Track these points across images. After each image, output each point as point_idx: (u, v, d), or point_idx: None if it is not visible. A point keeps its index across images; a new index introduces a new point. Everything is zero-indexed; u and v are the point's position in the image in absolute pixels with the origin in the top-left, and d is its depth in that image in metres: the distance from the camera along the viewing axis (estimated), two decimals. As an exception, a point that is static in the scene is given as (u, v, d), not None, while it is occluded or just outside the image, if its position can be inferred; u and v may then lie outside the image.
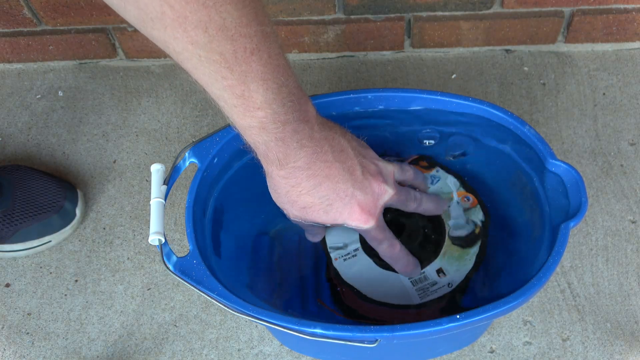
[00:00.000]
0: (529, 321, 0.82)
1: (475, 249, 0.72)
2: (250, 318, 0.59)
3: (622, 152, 0.96)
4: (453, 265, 0.72)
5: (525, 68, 1.07)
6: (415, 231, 0.77)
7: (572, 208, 0.63)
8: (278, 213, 0.80)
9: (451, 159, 0.78)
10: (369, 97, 0.73)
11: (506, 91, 1.04)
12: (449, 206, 0.76)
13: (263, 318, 0.58)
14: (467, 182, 0.78)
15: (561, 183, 0.65)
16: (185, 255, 0.62)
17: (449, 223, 0.75)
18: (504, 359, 0.80)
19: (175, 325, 0.86)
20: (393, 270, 0.73)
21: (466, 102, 0.71)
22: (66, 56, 1.13)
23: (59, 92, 1.11)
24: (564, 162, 0.65)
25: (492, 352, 0.81)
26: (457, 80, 1.06)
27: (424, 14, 1.03)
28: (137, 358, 0.83)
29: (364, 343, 0.58)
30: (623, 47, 1.07)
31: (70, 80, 1.13)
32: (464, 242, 0.73)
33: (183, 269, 0.61)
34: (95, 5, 1.03)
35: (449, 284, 0.71)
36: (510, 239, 0.75)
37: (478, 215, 0.75)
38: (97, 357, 0.84)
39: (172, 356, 0.83)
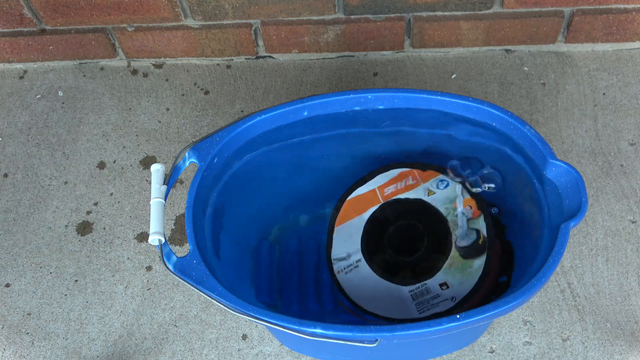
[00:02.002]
0: (529, 321, 0.82)
1: (480, 262, 0.71)
2: (250, 318, 0.59)
3: (622, 152, 0.96)
4: (456, 277, 0.71)
5: (525, 68, 1.07)
6: (421, 240, 0.76)
7: (572, 208, 0.63)
8: (279, 213, 0.80)
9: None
10: (369, 97, 0.73)
11: (506, 91, 1.04)
12: (456, 215, 0.75)
13: (263, 318, 0.58)
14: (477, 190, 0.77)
15: (561, 183, 0.65)
16: (185, 256, 0.62)
17: (456, 233, 0.74)
18: (504, 359, 0.80)
19: (175, 325, 0.86)
20: (393, 280, 0.73)
21: (466, 102, 0.71)
22: (66, 56, 1.13)
23: (59, 92, 1.11)
24: (564, 162, 0.65)
25: (492, 352, 0.80)
26: (457, 80, 1.06)
27: (424, 14, 1.03)
28: (137, 358, 0.83)
29: (364, 343, 0.58)
30: (623, 47, 1.07)
31: (70, 80, 1.13)
32: (467, 253, 0.72)
33: (183, 269, 0.61)
34: (95, 5, 1.03)
35: (452, 297, 0.70)
36: (511, 239, 0.75)
37: (481, 225, 0.74)
38: (97, 357, 0.84)
39: (172, 356, 0.83)
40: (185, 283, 0.61)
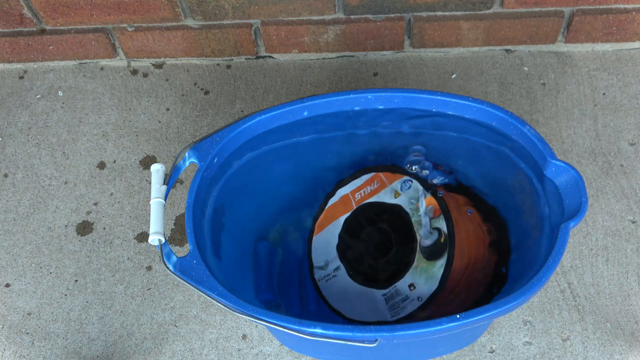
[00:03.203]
0: (529, 321, 0.82)
1: (442, 262, 0.71)
2: (250, 318, 0.59)
3: (622, 152, 0.96)
4: (422, 277, 0.72)
5: (525, 68, 1.06)
6: (388, 243, 0.77)
7: (572, 208, 0.63)
8: (278, 213, 0.80)
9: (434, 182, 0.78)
10: (369, 97, 0.73)
11: (506, 91, 1.04)
12: (419, 215, 0.75)
13: (263, 318, 0.58)
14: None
15: (561, 183, 0.65)
16: (185, 256, 0.62)
17: (420, 232, 0.74)
18: (504, 359, 0.80)
19: (175, 325, 0.86)
20: (369, 285, 0.73)
21: (466, 102, 0.71)
22: (66, 56, 1.13)
23: (59, 92, 1.11)
24: (564, 162, 0.65)
25: (492, 352, 0.81)
26: (457, 80, 1.06)
27: (424, 14, 1.03)
28: (137, 358, 0.83)
29: (364, 343, 0.58)
30: (623, 47, 1.07)
31: (70, 80, 1.13)
32: (430, 253, 0.73)
33: (183, 269, 0.61)
34: (95, 5, 1.03)
35: (418, 297, 0.71)
36: (510, 240, 0.75)
37: (442, 224, 0.74)
38: (97, 357, 0.84)
39: (172, 356, 0.83)
40: (185, 283, 0.61)
